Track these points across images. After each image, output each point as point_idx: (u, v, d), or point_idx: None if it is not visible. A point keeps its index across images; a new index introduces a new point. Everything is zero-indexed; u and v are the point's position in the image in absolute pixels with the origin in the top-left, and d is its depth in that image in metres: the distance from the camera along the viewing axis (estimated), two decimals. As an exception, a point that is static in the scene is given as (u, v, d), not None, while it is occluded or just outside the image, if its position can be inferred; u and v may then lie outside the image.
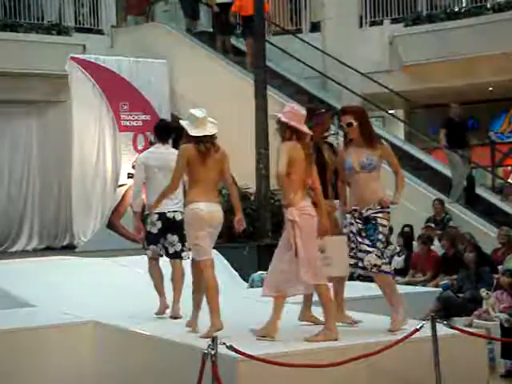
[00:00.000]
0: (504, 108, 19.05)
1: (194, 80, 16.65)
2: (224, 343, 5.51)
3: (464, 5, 16.63)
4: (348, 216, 6.59)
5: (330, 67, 17.08)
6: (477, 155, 15.07)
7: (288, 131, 6.38)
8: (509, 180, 18.61)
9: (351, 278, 7.16)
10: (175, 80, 16.95)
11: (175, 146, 7.68)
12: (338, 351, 6.13)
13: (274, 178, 6.38)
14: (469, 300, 10.05)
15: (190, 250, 7.19)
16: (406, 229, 13.10)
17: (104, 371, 7.46)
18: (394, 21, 17.12)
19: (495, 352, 8.48)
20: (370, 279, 7.52)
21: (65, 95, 16.40)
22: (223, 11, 17.01)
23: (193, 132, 6.75)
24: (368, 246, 6.45)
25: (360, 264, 6.52)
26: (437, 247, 12.32)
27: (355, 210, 6.54)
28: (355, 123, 6.55)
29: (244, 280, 10.94)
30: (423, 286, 11.25)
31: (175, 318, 7.54)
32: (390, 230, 12.59)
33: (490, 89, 17.27)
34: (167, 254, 7.97)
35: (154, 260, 8.03)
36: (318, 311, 6.81)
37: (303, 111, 6.46)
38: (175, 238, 7.82)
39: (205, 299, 6.74)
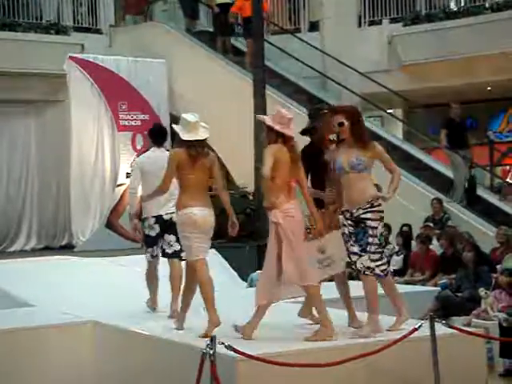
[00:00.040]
0: (502, 107, 19.08)
1: (193, 79, 16.67)
2: (223, 343, 5.52)
3: (463, 4, 16.64)
4: (340, 217, 6.59)
5: (329, 67, 17.09)
6: (475, 155, 15.06)
7: (273, 134, 6.44)
8: (507, 179, 18.61)
9: (351, 277, 7.15)
10: (174, 80, 16.96)
11: None
12: (337, 351, 6.14)
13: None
14: (467, 299, 10.05)
15: None
16: (405, 228, 13.11)
17: (103, 371, 7.46)
18: (393, 20, 17.14)
19: (494, 351, 8.49)
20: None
21: (63, 95, 16.41)
22: (223, 12, 17.01)
23: (185, 136, 6.84)
24: (359, 250, 6.45)
25: (353, 266, 6.52)
26: (435, 246, 12.33)
27: (347, 211, 6.53)
28: (346, 123, 6.53)
29: (243, 280, 10.96)
30: (422, 285, 11.25)
31: (174, 317, 7.55)
32: (389, 229, 12.65)
33: (489, 88, 17.28)
34: (165, 254, 8.08)
35: (153, 264, 8.16)
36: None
37: (290, 115, 6.50)
38: (172, 237, 7.89)
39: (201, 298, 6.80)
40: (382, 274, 6.52)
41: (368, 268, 6.45)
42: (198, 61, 16.78)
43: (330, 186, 6.78)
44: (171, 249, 7.96)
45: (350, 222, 6.49)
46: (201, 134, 6.89)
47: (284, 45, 16.94)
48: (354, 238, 6.47)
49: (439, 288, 10.54)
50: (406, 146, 15.94)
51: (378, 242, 6.49)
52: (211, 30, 18.19)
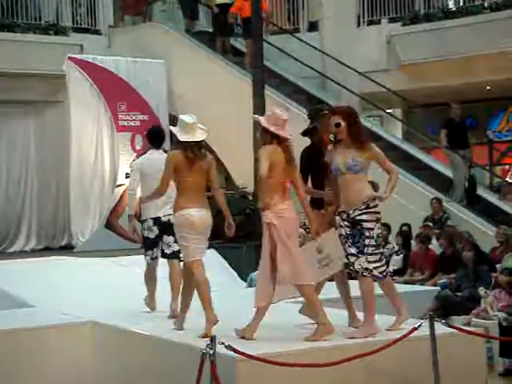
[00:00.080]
0: (502, 107, 19.08)
1: (192, 80, 16.66)
2: (223, 343, 5.52)
3: (461, 4, 16.64)
4: (337, 218, 6.58)
5: (328, 67, 17.09)
6: (475, 154, 15.06)
7: (268, 135, 6.46)
8: (507, 179, 18.61)
9: (351, 277, 7.15)
10: (173, 80, 16.95)
11: None
12: (337, 351, 6.14)
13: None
14: (467, 299, 10.06)
15: None
16: (404, 228, 13.12)
17: (103, 371, 7.47)
18: (392, 20, 17.14)
19: (493, 351, 8.50)
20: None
21: (62, 95, 16.39)
22: (223, 12, 17.00)
23: (182, 137, 6.87)
24: (356, 252, 6.44)
25: (351, 268, 6.52)
26: (435, 246, 12.33)
27: (343, 212, 6.52)
28: (343, 123, 6.52)
29: (242, 279, 10.97)
30: (421, 284, 11.25)
31: (174, 317, 7.56)
32: (388, 228, 12.66)
33: (488, 88, 17.28)
34: (164, 255, 8.14)
35: (152, 266, 8.21)
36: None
37: (285, 116, 6.50)
38: (171, 238, 7.94)
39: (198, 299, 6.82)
40: (380, 275, 6.51)
41: (366, 269, 6.44)
42: (197, 61, 16.78)
43: (330, 186, 6.78)
44: (170, 249, 8.02)
45: (346, 223, 6.48)
46: (198, 136, 6.91)
47: (283, 45, 16.93)
48: (350, 240, 6.47)
49: (439, 287, 10.54)
50: (406, 146, 15.94)
51: (375, 243, 6.47)
52: (210, 30, 18.19)
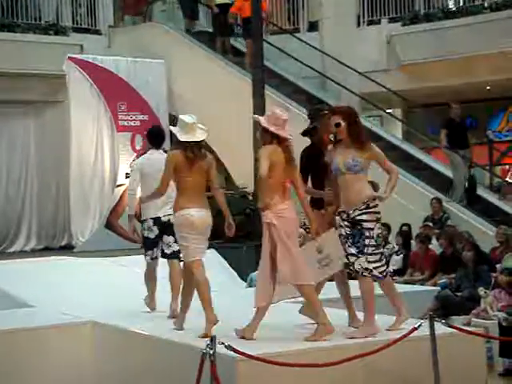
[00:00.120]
0: (502, 107, 19.08)
1: (192, 80, 16.66)
2: (223, 343, 5.52)
3: (461, 4, 16.64)
4: (337, 218, 6.58)
5: (328, 67, 17.09)
6: (475, 154, 15.06)
7: (268, 135, 6.46)
8: (507, 179, 18.61)
9: (351, 277, 7.16)
10: (173, 80, 16.95)
11: None
12: (336, 350, 6.14)
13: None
14: (467, 299, 10.06)
15: None
16: (404, 228, 13.12)
17: (103, 371, 7.47)
18: (392, 20, 17.14)
19: (493, 351, 8.50)
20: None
21: (62, 95, 16.39)
22: (223, 12, 17.00)
23: (182, 137, 6.87)
24: (356, 252, 6.44)
25: (351, 268, 6.52)
26: (435, 246, 12.33)
27: (343, 212, 6.52)
28: (343, 123, 6.52)
29: (242, 279, 10.97)
30: (421, 284, 11.25)
31: (174, 317, 7.57)
32: (388, 228, 12.66)
33: (488, 88, 17.28)
34: (164, 255, 8.16)
35: (152, 266, 8.23)
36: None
37: (284, 116, 6.51)
38: (171, 238, 7.95)
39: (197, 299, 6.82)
40: (380, 275, 6.51)
41: (366, 269, 6.44)
42: (197, 61, 16.78)
43: (330, 186, 6.78)
44: (170, 249, 8.04)
45: (346, 223, 6.48)
46: (198, 136, 6.92)
47: (283, 45, 16.93)
48: (350, 240, 6.47)
49: (439, 287, 10.54)
50: (406, 146, 15.94)
51: (375, 243, 6.46)
52: (210, 30, 18.19)
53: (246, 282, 10.79)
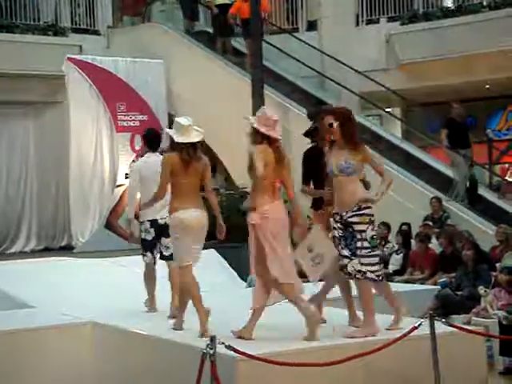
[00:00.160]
0: (501, 105, 19.07)
1: (192, 80, 16.65)
2: (223, 343, 5.52)
3: (460, 2, 16.64)
4: (331, 220, 6.56)
5: (327, 66, 17.08)
6: (474, 153, 15.06)
7: (259, 136, 6.48)
8: (506, 177, 18.61)
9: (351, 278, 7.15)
10: (172, 80, 16.94)
11: None
12: (336, 350, 6.14)
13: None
14: (467, 298, 10.05)
15: None
16: (404, 227, 13.11)
17: (103, 371, 7.47)
18: (391, 19, 17.13)
19: (494, 349, 8.49)
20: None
21: (62, 96, 16.39)
22: (222, 12, 16.98)
23: (178, 139, 6.90)
24: (349, 254, 6.42)
25: (345, 270, 6.49)
26: (435, 245, 12.32)
27: (337, 214, 6.49)
28: (335, 124, 6.51)
29: (242, 279, 10.95)
30: (421, 283, 11.24)
31: (173, 317, 7.57)
32: (388, 227, 12.65)
33: (487, 86, 17.27)
34: (162, 257, 8.22)
35: (150, 266, 8.28)
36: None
37: (275, 116, 6.52)
38: (169, 240, 7.93)
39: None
40: (375, 278, 6.46)
41: (359, 271, 6.40)
42: (196, 61, 16.77)
43: (329, 186, 6.78)
44: (168, 251, 8.06)
45: (339, 225, 6.46)
46: (193, 138, 6.96)
47: (282, 44, 16.92)
48: (343, 242, 6.44)
49: (439, 286, 10.53)
50: (405, 145, 15.93)
51: (369, 245, 6.41)
52: (209, 30, 18.18)
53: (245, 282, 10.77)
